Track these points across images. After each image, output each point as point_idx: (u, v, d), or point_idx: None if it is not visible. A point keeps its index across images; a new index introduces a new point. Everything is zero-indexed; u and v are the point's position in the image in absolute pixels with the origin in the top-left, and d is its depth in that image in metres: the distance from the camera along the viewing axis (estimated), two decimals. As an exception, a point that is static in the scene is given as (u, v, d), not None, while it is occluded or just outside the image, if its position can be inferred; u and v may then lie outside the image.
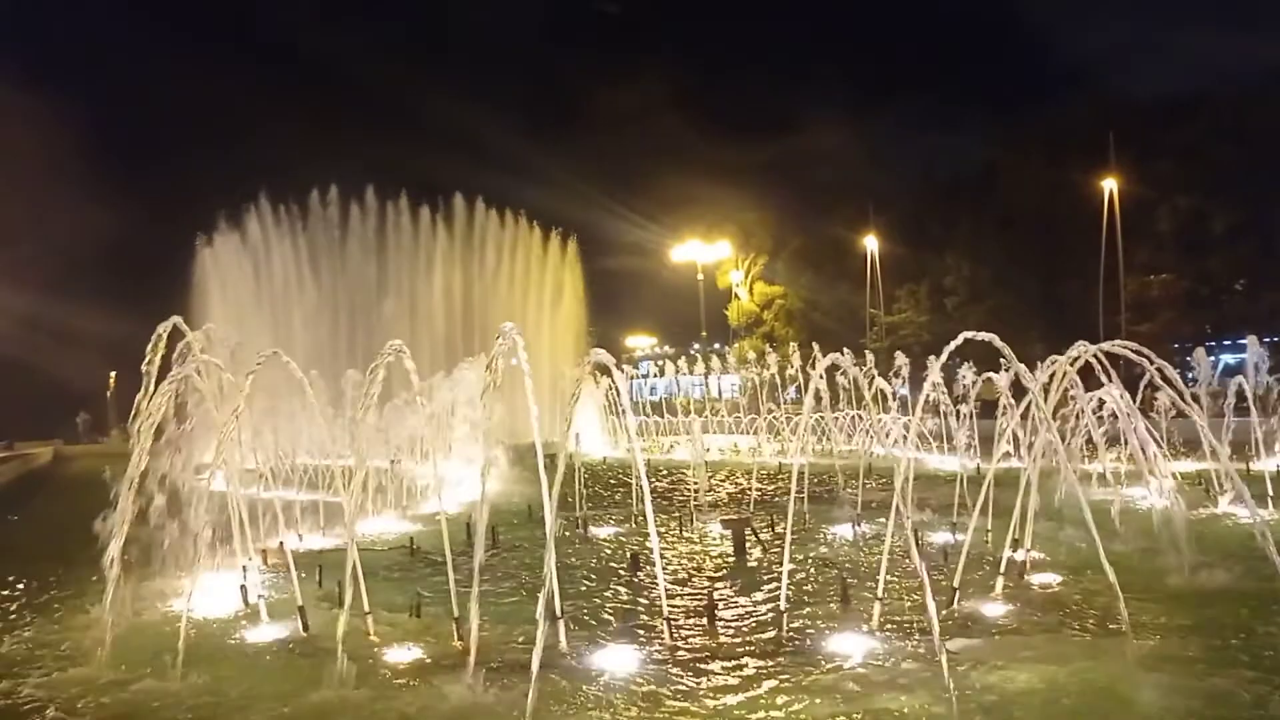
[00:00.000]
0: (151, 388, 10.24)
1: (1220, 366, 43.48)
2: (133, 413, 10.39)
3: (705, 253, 75.57)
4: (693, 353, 69.34)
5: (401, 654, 9.25)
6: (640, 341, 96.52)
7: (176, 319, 11.20)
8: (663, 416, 49.09)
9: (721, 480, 24.92)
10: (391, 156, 69.92)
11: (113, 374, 61.55)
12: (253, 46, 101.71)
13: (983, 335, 9.72)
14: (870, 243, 65.82)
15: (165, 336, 10.79)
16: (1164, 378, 11.39)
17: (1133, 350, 10.87)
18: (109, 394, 61.46)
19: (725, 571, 13.35)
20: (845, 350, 16.00)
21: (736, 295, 79.14)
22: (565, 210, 62.09)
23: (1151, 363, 10.53)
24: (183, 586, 11.44)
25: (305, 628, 10.11)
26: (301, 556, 13.21)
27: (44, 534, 18.53)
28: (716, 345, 78.39)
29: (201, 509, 10.64)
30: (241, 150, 72.87)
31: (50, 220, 60.92)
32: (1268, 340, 31.41)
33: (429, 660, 9.08)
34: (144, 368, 10.32)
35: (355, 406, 20.56)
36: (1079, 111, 58.66)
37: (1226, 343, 55.09)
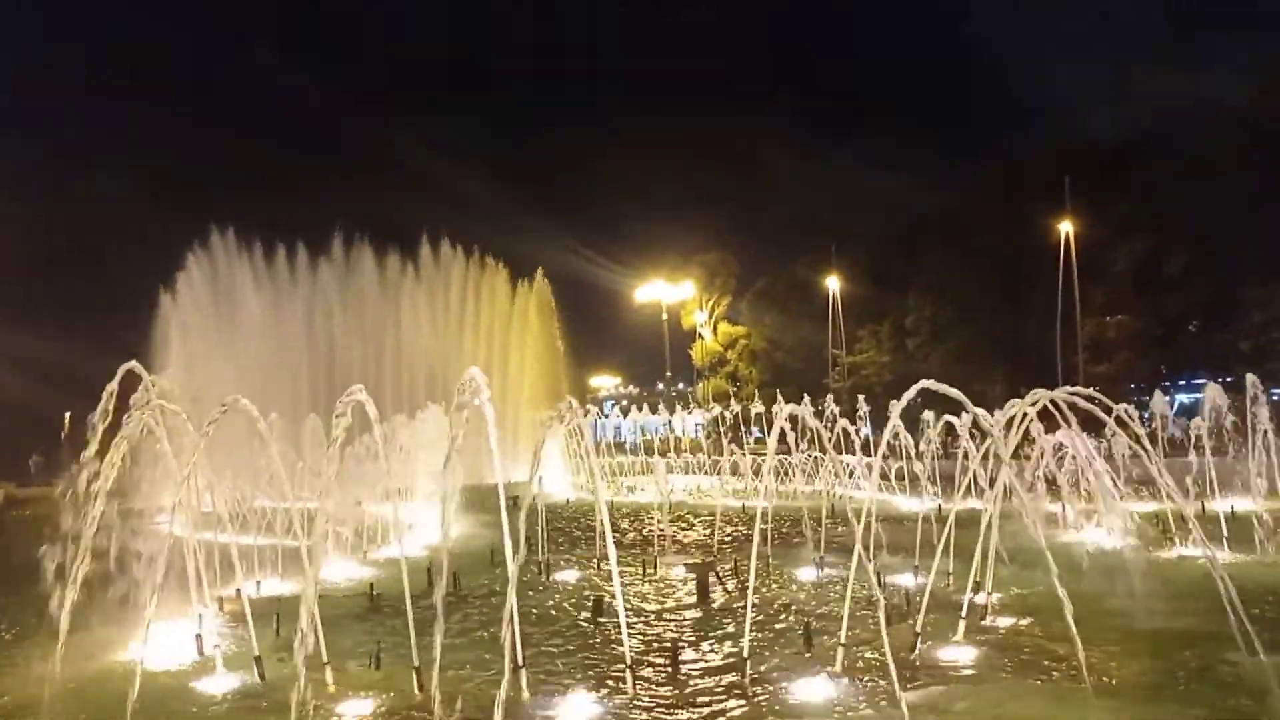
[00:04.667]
0: (99, 435, 10.04)
1: (1175, 407, 44.15)
2: (79, 459, 10.16)
3: (670, 293, 75.92)
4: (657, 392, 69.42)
5: (360, 705, 9.10)
6: (605, 381, 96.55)
7: (133, 363, 11.01)
8: (626, 456, 48.97)
9: (683, 521, 24.83)
10: (357, 198, 70.12)
11: (68, 414, 60.45)
12: (219, 87, 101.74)
13: (941, 387, 9.78)
14: (832, 283, 66.36)
15: (120, 382, 10.60)
16: (1120, 422, 11.53)
17: (1090, 399, 10.96)
18: (64, 435, 60.27)
19: (689, 616, 13.27)
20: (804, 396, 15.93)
21: (701, 335, 79.42)
22: (529, 251, 62.29)
23: (1109, 412, 10.62)
24: (135, 636, 11.22)
25: (261, 678, 9.92)
26: (259, 604, 12.97)
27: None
28: (681, 385, 78.64)
29: (156, 555, 10.43)
30: (207, 189, 72.66)
31: (4, 254, 60.08)
32: (1222, 380, 31.89)
33: (388, 711, 8.94)
34: (93, 418, 10.10)
35: (315, 452, 20.43)
36: (1039, 153, 59.61)
37: (1182, 382, 55.95)
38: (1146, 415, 35.67)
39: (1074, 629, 8.60)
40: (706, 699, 9.24)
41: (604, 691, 9.49)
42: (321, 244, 52.58)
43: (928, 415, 23.67)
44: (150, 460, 11.54)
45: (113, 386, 10.30)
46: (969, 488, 13.88)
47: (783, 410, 11.16)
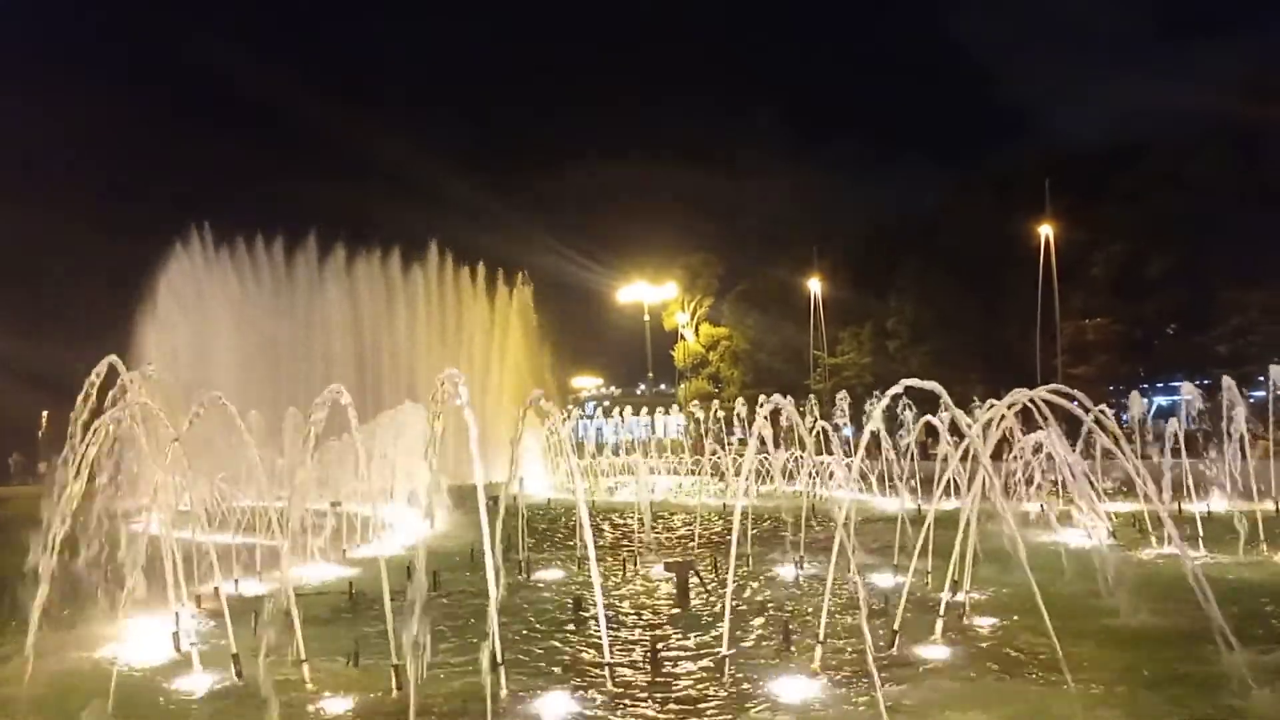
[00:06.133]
0: (79, 432, 9.99)
1: (1153, 409, 44.47)
2: (62, 454, 10.11)
3: (652, 294, 75.96)
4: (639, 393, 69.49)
5: (338, 703, 9.06)
6: (586, 382, 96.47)
7: (113, 358, 10.94)
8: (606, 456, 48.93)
9: (664, 521, 24.83)
10: (338, 197, 69.94)
11: (45, 412, 60.06)
12: (201, 86, 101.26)
13: (926, 384, 9.84)
14: (814, 285, 66.51)
15: (101, 377, 10.54)
16: (1100, 424, 11.60)
17: (1069, 397, 11.05)
18: (41, 433, 59.91)
19: (669, 615, 13.28)
20: (787, 395, 15.97)
21: (683, 336, 79.47)
22: (511, 251, 62.28)
23: (1088, 411, 10.69)
24: (111, 633, 11.15)
25: (239, 676, 9.86)
26: (237, 602, 12.90)
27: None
28: (663, 386, 78.70)
29: (132, 552, 10.37)
30: (185, 188, 72.28)
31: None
32: (1200, 382, 32.16)
33: (366, 710, 8.90)
34: (74, 413, 10.05)
35: (294, 447, 20.33)
36: (1021, 157, 60.10)
37: (1160, 385, 56.37)
38: (1125, 418, 35.91)
39: (1051, 628, 8.65)
40: (685, 696, 9.24)
41: (582, 689, 9.48)
42: (301, 244, 52.44)
43: (907, 415, 23.77)
44: (128, 457, 11.48)
45: (93, 382, 10.24)
46: (948, 488, 13.93)
47: (765, 405, 11.17)
